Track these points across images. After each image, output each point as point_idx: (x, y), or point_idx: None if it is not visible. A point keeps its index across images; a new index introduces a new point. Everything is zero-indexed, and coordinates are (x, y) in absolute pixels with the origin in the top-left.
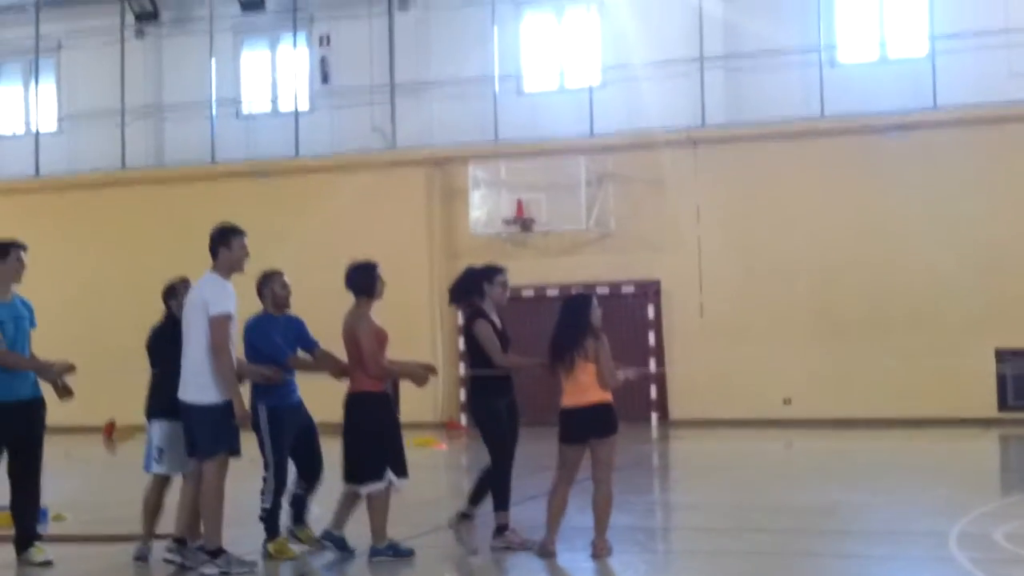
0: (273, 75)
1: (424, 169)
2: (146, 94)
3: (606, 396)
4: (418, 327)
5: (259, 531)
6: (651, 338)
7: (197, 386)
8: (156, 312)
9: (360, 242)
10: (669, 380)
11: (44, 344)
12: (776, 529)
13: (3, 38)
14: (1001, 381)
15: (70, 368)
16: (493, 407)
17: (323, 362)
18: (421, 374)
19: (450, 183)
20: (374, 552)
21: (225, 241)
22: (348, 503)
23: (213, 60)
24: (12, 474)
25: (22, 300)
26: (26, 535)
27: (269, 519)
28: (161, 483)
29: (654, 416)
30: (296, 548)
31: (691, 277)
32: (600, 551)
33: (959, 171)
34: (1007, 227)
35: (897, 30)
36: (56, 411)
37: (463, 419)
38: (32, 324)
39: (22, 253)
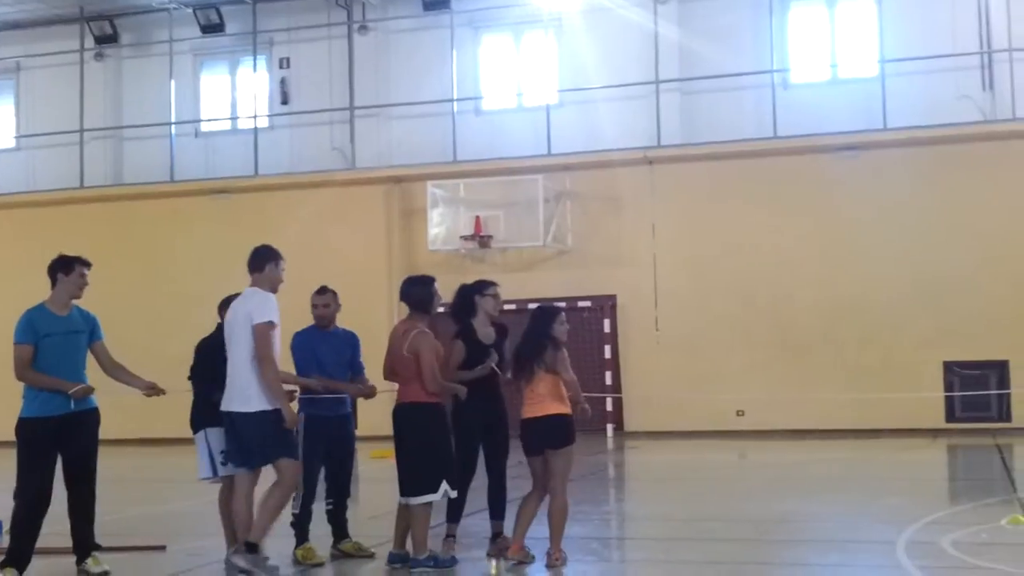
0: (233, 95)
1: (383, 188)
2: (106, 115)
3: (563, 408)
4: (377, 342)
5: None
6: (607, 351)
7: (246, 397)
8: (119, 324)
9: (320, 259)
10: (624, 392)
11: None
12: (730, 539)
13: None
14: (949, 393)
15: (86, 391)
16: (457, 419)
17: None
18: (463, 392)
19: (409, 202)
20: (415, 563)
21: (274, 259)
22: (404, 520)
23: (172, 82)
24: (66, 485)
25: (83, 314)
26: (83, 545)
27: (298, 525)
28: (229, 486)
29: (610, 427)
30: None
31: (647, 292)
32: (555, 560)
33: (908, 190)
34: (954, 245)
35: (848, 52)
36: None
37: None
38: (95, 337)
39: (85, 270)
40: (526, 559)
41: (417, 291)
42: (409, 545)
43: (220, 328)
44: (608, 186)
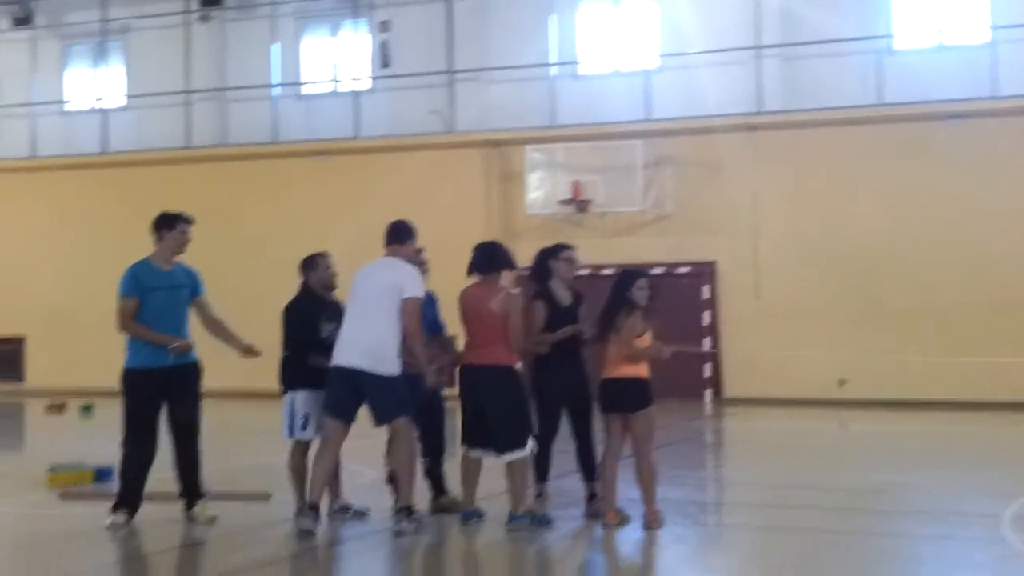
0: (334, 58)
1: (481, 151)
2: (210, 76)
3: (637, 371)
4: None
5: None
6: (706, 318)
7: (382, 359)
8: (220, 282)
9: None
10: (724, 359)
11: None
12: (828, 507)
13: (74, 21)
14: None
15: (185, 346)
16: (537, 380)
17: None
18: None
19: (507, 165)
20: (514, 518)
21: (413, 236)
22: (471, 475)
23: (275, 44)
24: (171, 436)
25: (186, 270)
26: (191, 492)
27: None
28: (304, 449)
29: (708, 393)
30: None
31: (747, 260)
32: (651, 522)
33: (1016, 160)
34: None
35: (956, 17)
36: None
37: None
38: (196, 293)
39: (188, 227)
40: (623, 522)
41: (483, 254)
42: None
43: (305, 289)
44: (708, 152)
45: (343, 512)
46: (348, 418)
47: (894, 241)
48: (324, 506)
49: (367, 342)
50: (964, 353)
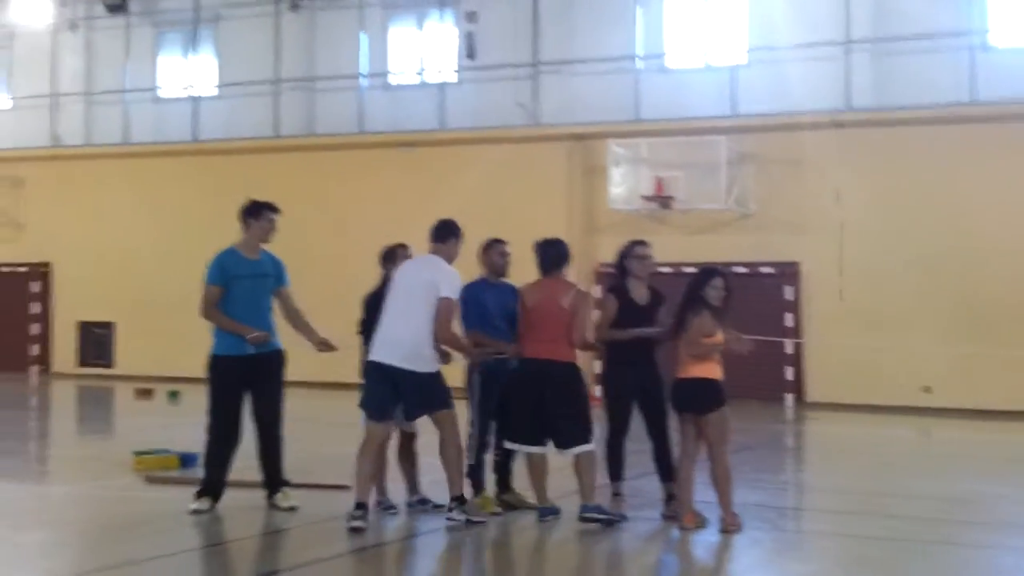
0: (420, 49)
1: (565, 144)
2: (299, 65)
3: (708, 372)
4: None
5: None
6: (789, 319)
7: (421, 357)
8: (306, 271)
9: (500, 214)
10: (807, 362)
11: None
12: (910, 516)
13: (167, 8)
14: None
15: (263, 337)
16: (609, 377)
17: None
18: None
19: (590, 159)
20: (587, 509)
21: (457, 235)
22: (541, 472)
23: (363, 34)
24: (255, 424)
25: (272, 259)
26: (272, 480)
27: (472, 475)
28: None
29: (790, 397)
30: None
31: (831, 260)
32: (728, 526)
33: None
34: None
35: None
36: None
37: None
38: (281, 283)
39: (274, 216)
40: (701, 525)
41: (555, 251)
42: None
43: (385, 280)
44: (793, 149)
45: (423, 504)
46: (386, 416)
47: (984, 242)
48: (400, 499)
49: (404, 340)
50: None
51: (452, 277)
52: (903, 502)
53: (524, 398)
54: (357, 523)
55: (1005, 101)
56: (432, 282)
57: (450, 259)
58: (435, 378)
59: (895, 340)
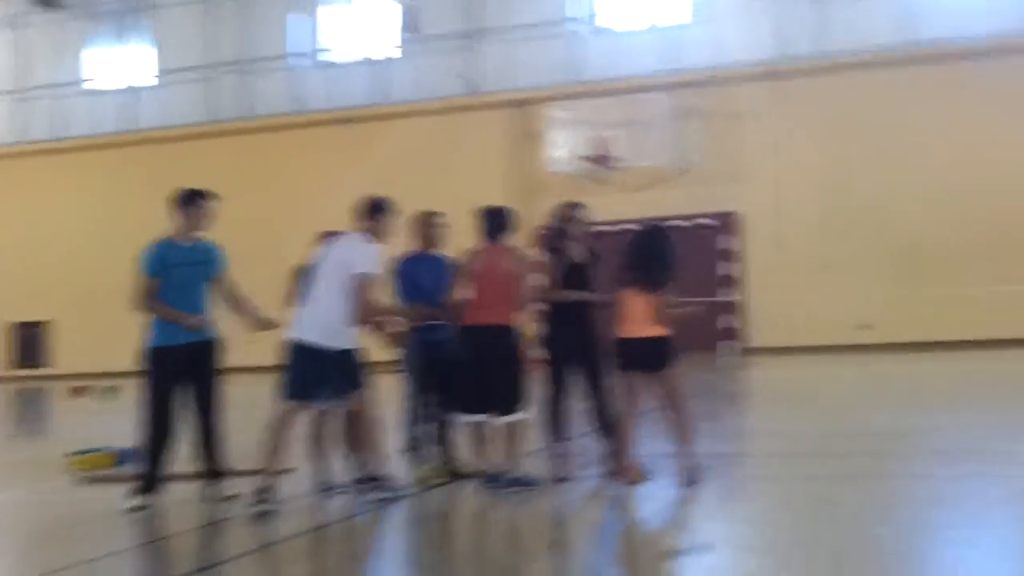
0: (356, 25)
1: (505, 111)
2: (235, 49)
3: (661, 330)
4: None
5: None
6: (728, 268)
7: (338, 334)
8: (246, 256)
9: (440, 185)
10: (748, 309)
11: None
12: (850, 452)
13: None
14: None
15: (200, 323)
16: (551, 338)
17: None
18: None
19: (531, 124)
20: (512, 483)
21: (387, 211)
22: (485, 439)
23: (294, 13)
24: (193, 413)
25: (207, 246)
26: (213, 470)
27: (414, 447)
28: (317, 419)
29: (730, 344)
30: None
31: (770, 209)
32: (693, 474)
33: None
34: None
35: None
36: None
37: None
38: (218, 269)
39: (209, 203)
40: (643, 478)
41: (500, 218)
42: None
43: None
44: (731, 102)
45: (371, 482)
46: (304, 395)
47: (921, 182)
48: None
49: (321, 317)
50: (995, 294)
51: (369, 253)
52: (845, 440)
53: (468, 366)
54: (262, 507)
55: (941, 41)
56: (345, 261)
57: (381, 236)
58: (356, 355)
59: (834, 282)
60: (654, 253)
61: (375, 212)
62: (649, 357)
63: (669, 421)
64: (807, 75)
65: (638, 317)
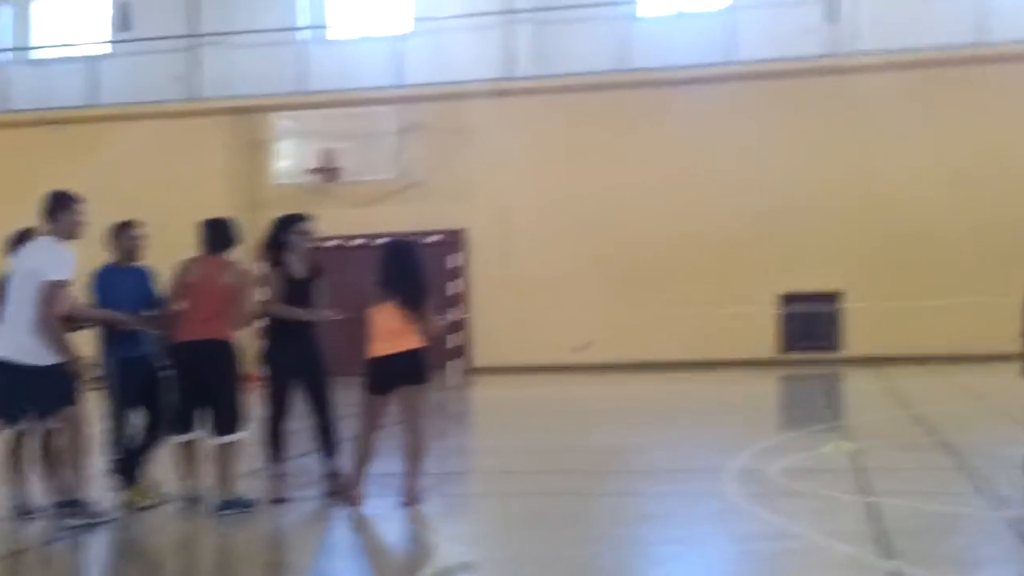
0: (69, 21)
1: (227, 119)
2: None
3: (420, 343)
4: None
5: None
6: (455, 286)
7: (34, 350)
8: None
9: (158, 194)
10: (472, 328)
11: None
12: (564, 470)
13: None
14: (784, 324)
15: None
16: (272, 355)
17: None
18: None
19: (254, 133)
20: (227, 505)
21: (68, 205)
22: (194, 459)
23: (3, 7)
24: None
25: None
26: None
27: (122, 469)
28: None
29: (455, 363)
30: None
31: (496, 227)
32: (416, 496)
33: (753, 124)
34: (792, 180)
35: None
36: None
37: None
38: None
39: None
40: (364, 499)
41: (222, 231)
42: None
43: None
44: (459, 118)
45: (70, 507)
46: (16, 415)
47: (639, 206)
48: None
49: (15, 331)
50: (701, 316)
51: (58, 258)
52: (562, 457)
53: (179, 384)
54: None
55: (652, 68)
56: (34, 270)
57: (67, 235)
58: (57, 370)
59: (557, 301)
60: (408, 267)
61: (59, 208)
62: (408, 372)
63: (404, 439)
64: (533, 94)
65: (395, 333)
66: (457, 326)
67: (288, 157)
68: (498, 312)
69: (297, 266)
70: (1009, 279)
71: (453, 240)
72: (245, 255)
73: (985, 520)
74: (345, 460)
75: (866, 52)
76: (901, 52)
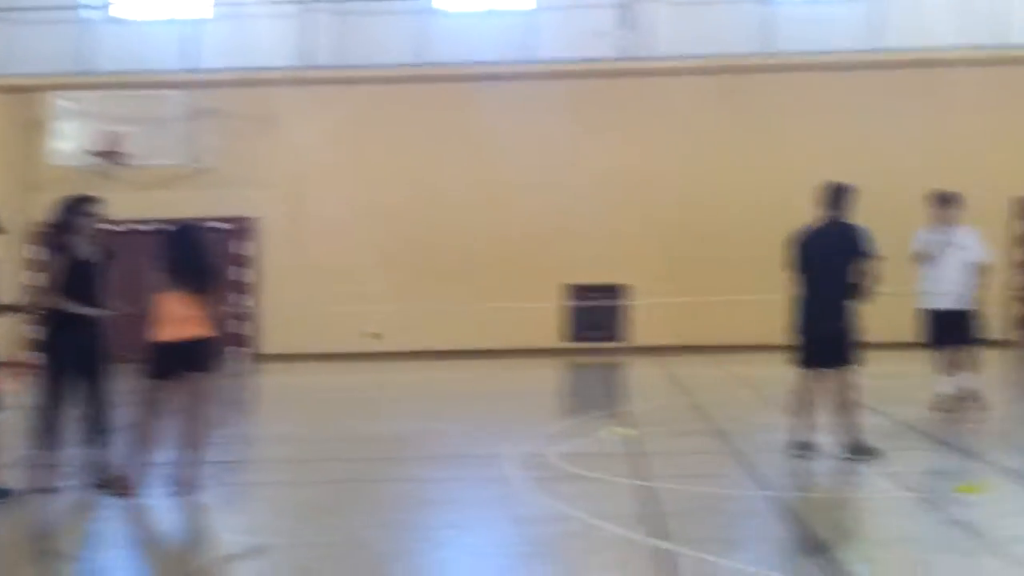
0: None
1: (5, 98)
2: None
3: (210, 331)
4: None
5: None
6: (245, 274)
7: None
8: None
9: None
10: (263, 316)
11: None
12: (353, 458)
13: None
14: (572, 315)
15: None
16: (51, 342)
17: None
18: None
19: (31, 112)
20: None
21: None
22: None
23: None
24: None
25: None
26: None
27: None
28: None
29: (243, 351)
30: None
31: (292, 215)
32: (193, 486)
33: (551, 122)
34: (584, 179)
35: None
36: None
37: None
38: None
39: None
40: (137, 489)
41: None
42: None
43: None
44: (256, 105)
45: None
46: None
47: (436, 198)
48: None
49: None
50: (491, 308)
51: None
52: (348, 445)
53: None
54: None
55: (452, 63)
56: None
57: None
58: None
59: (351, 291)
60: (195, 253)
61: None
62: (193, 358)
63: (184, 427)
64: (332, 83)
65: (181, 319)
66: (245, 314)
67: (69, 138)
68: (290, 300)
69: (84, 248)
70: (777, 278)
71: (242, 227)
72: (20, 238)
73: (749, 500)
74: (119, 449)
75: (659, 57)
76: (691, 57)
